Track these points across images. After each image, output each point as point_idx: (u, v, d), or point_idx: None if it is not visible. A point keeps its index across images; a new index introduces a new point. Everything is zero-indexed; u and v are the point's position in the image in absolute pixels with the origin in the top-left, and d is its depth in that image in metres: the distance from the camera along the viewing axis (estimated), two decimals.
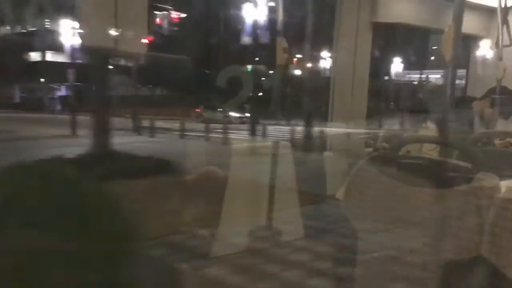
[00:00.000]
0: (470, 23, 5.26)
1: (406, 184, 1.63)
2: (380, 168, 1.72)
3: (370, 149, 4.13)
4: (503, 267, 1.32)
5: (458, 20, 3.55)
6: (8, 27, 16.80)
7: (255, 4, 13.06)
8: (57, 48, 14.39)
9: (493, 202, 1.40)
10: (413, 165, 1.82)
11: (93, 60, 2.55)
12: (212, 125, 12.85)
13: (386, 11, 4.69)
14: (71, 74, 14.04)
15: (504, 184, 1.45)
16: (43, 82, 17.96)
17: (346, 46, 4.02)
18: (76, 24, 10.95)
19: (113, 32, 2.07)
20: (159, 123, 13.46)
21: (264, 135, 12.18)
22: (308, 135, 7.70)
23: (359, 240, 1.73)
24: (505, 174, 1.53)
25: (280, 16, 3.69)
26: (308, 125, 8.39)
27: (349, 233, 1.76)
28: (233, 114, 15.91)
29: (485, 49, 6.11)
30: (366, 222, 1.73)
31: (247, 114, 15.34)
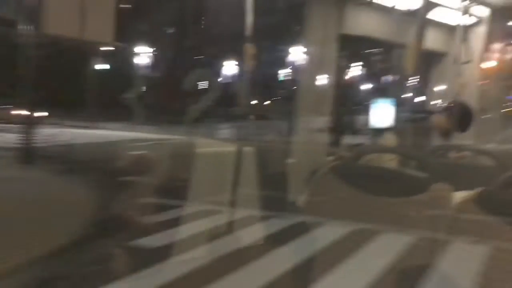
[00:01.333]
0: (432, 40, 5.44)
1: (366, 193, 1.66)
2: (340, 176, 1.75)
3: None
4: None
5: (420, 36, 3.67)
6: None
7: None
8: None
9: (447, 212, 1.45)
10: (373, 174, 1.86)
11: None
12: None
13: (353, 24, 4.80)
14: None
15: (458, 195, 1.50)
16: None
17: (313, 55, 4.08)
18: None
19: None
20: None
21: None
22: None
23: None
24: (458, 185, 1.59)
25: (249, 22, 3.71)
26: None
27: None
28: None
29: (445, 65, 6.33)
30: (325, 228, 1.75)
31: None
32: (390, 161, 3.50)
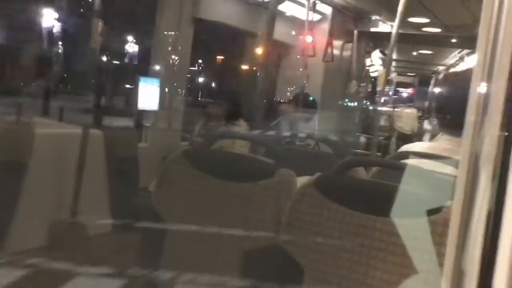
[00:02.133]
0: (281, 32, 5.74)
1: (216, 177, 1.69)
2: (192, 161, 1.75)
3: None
4: (296, 256, 1.45)
5: (270, 27, 3.84)
6: None
7: None
8: None
9: (290, 195, 1.54)
10: (223, 160, 1.90)
11: None
12: None
13: (207, 9, 4.81)
14: None
15: (300, 180, 1.61)
16: None
17: (167, 38, 4.01)
18: None
19: None
20: None
21: None
22: None
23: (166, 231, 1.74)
24: (301, 171, 1.70)
25: None
26: None
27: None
28: None
29: (293, 57, 6.73)
30: (175, 214, 1.74)
31: None
32: (242, 147, 3.64)
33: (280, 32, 5.62)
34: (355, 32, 7.12)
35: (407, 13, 5.00)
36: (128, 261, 1.86)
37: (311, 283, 1.43)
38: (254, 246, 1.59)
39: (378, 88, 6.46)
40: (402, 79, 15.40)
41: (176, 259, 1.73)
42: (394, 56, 9.41)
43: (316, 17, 6.34)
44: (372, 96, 9.82)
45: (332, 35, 6.32)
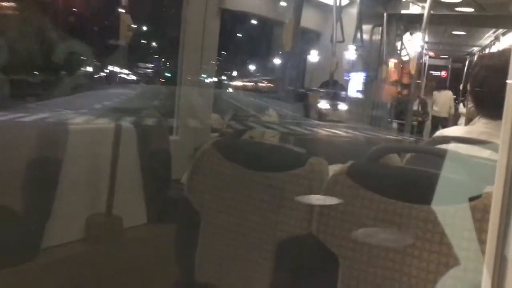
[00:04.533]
0: (308, 18, 5.66)
1: (247, 168, 1.69)
2: (223, 152, 1.75)
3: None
4: (330, 245, 1.44)
5: (297, 14, 3.79)
6: None
7: None
8: None
9: (322, 184, 1.52)
10: (254, 150, 1.90)
11: None
12: None
13: None
14: None
15: (331, 168, 1.59)
16: None
17: (194, 30, 4.01)
18: None
19: None
20: None
21: None
22: None
23: (201, 223, 1.75)
24: (332, 159, 1.68)
25: None
26: None
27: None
28: None
29: (321, 44, 6.65)
30: (208, 205, 1.75)
31: None
32: (272, 138, 3.63)
33: (308, 18, 5.54)
34: (385, 15, 6.97)
35: None
36: (163, 252, 1.89)
37: (346, 272, 1.41)
38: (288, 236, 1.58)
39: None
40: (434, 61, 15.02)
41: (211, 250, 1.74)
42: (426, 38, 9.17)
43: (345, 1, 6.22)
44: None
45: (361, 19, 6.20)
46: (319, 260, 1.49)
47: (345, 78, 6.53)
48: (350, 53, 6.22)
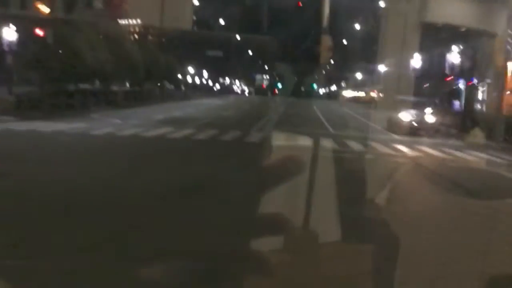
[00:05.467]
0: None
1: (455, 192, 1.56)
2: (425, 174, 1.65)
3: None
4: None
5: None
6: None
7: None
8: None
9: None
10: (463, 174, 1.75)
11: None
12: None
13: (435, 12, 4.56)
14: None
15: None
16: None
17: (394, 45, 3.91)
18: None
19: None
20: None
21: None
22: None
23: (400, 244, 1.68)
24: None
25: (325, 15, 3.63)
26: None
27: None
28: None
29: None
30: (408, 227, 1.67)
31: None
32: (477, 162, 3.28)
33: None
34: None
35: None
36: (357, 269, 1.86)
37: None
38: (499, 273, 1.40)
39: None
40: None
41: (413, 271, 1.65)
42: None
43: None
44: None
45: None
46: None
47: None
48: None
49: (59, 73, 20.82)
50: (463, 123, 16.81)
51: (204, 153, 12.92)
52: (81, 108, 22.79)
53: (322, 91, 71.75)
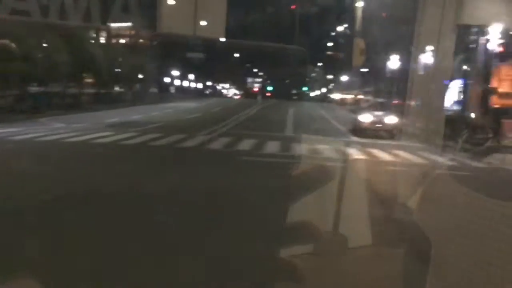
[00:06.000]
0: None
1: (489, 197, 1.54)
2: (459, 178, 1.63)
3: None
4: None
5: None
6: None
7: None
8: None
9: None
10: (498, 178, 1.71)
11: None
12: None
13: (471, 14, 4.48)
14: None
15: None
16: None
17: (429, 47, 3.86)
18: None
19: None
20: None
21: None
22: None
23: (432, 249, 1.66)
24: None
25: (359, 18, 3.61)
26: None
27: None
28: None
29: None
30: (439, 232, 1.65)
31: None
32: None
33: None
34: None
35: None
36: (386, 273, 1.85)
37: None
38: None
39: None
40: None
41: (443, 278, 1.63)
42: None
43: None
44: None
45: None
46: None
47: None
48: None
49: (5, 76, 19.98)
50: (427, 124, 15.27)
51: (104, 158, 11.99)
52: (33, 112, 21.62)
53: (314, 93, 74.10)
